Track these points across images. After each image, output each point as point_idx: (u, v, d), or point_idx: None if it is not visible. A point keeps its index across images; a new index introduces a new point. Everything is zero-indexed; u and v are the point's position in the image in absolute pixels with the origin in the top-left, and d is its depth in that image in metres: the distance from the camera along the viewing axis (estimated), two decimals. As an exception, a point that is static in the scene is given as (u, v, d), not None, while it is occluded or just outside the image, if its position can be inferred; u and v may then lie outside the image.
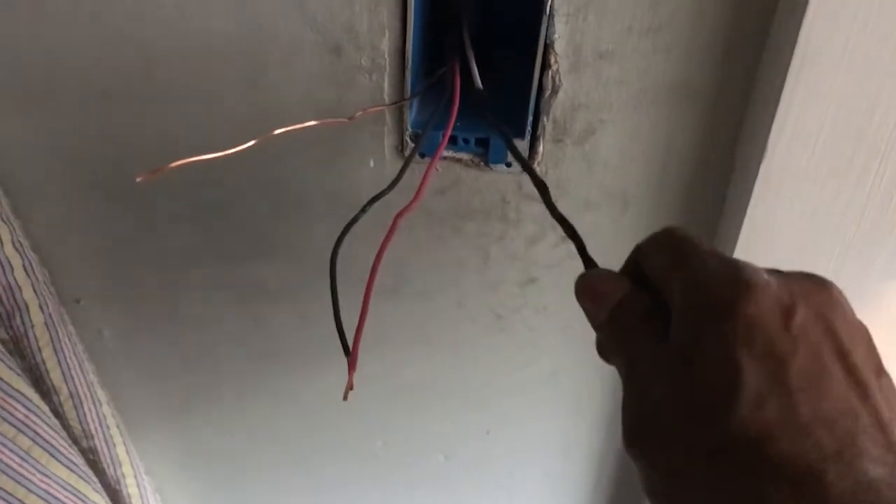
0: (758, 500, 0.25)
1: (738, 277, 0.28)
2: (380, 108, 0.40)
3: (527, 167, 0.43)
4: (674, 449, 0.28)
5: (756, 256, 0.52)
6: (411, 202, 0.47)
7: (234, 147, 0.36)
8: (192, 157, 0.37)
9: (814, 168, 0.47)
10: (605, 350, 0.34)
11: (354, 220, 0.45)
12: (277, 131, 0.37)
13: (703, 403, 0.27)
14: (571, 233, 0.39)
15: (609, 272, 0.35)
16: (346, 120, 0.38)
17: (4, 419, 0.57)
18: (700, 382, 0.27)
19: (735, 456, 0.26)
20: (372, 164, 0.53)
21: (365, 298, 0.41)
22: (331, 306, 0.44)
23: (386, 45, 0.47)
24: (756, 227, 0.50)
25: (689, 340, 0.28)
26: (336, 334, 0.42)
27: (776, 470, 0.25)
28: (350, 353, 0.41)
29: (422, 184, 0.48)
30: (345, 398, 0.41)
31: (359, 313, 0.42)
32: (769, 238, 0.51)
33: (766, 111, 0.46)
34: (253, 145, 0.37)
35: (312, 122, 0.38)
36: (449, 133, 0.48)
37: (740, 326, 0.27)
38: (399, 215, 0.46)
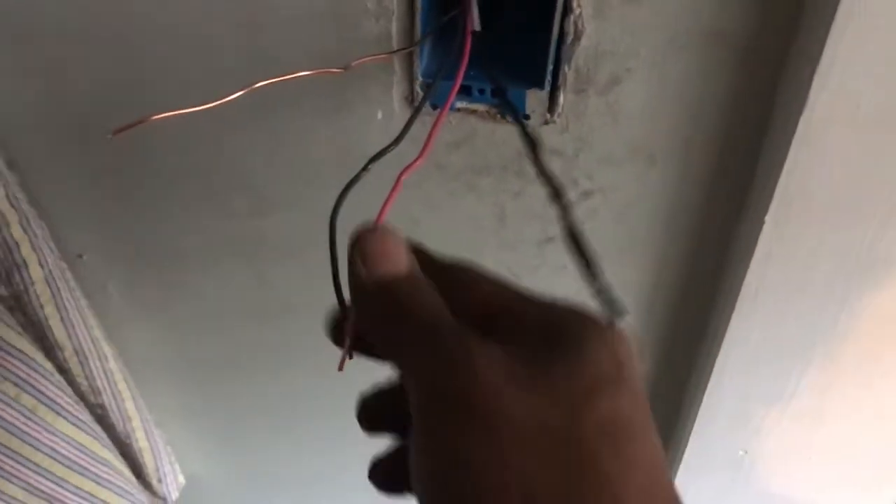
0: None
1: None
2: (379, 56, 0.36)
3: (517, 119, 0.39)
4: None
5: (791, 222, 0.48)
6: (416, 159, 0.44)
7: (218, 100, 0.33)
8: (176, 108, 0.34)
9: (860, 119, 0.43)
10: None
11: (355, 180, 0.42)
12: (260, 83, 0.34)
13: None
14: (558, 198, 0.34)
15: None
16: (341, 69, 0.34)
17: (6, 378, 0.56)
18: None
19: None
20: (380, 115, 0.50)
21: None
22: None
23: (393, -14, 0.43)
24: (792, 188, 0.46)
25: None
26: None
27: None
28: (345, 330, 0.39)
29: (428, 139, 0.44)
30: (340, 368, 0.38)
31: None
32: (806, 198, 0.47)
33: (808, 57, 0.41)
34: (238, 97, 0.34)
35: (304, 73, 0.34)
36: (459, 82, 0.44)
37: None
38: (402, 173, 0.43)
